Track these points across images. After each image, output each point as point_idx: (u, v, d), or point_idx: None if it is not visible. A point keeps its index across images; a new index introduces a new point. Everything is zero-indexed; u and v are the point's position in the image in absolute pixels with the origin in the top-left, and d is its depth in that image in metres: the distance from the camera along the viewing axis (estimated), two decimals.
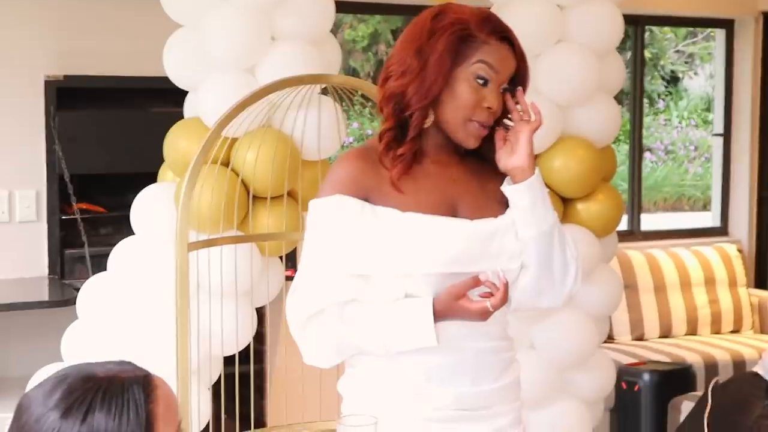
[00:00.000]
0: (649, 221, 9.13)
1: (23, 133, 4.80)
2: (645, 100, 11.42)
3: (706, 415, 3.50)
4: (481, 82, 2.21)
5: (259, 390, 4.63)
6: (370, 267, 2.21)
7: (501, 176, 2.32)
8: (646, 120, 11.30)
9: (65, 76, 4.80)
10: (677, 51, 11.55)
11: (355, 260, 2.21)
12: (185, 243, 2.90)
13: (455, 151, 2.32)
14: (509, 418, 2.35)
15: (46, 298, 4.60)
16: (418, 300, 2.19)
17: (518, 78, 2.29)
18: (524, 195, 2.27)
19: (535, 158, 2.33)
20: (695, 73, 11.99)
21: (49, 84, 4.78)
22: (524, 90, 2.31)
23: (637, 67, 6.33)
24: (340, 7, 5.48)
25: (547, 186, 3.60)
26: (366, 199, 2.22)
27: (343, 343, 2.25)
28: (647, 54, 11.03)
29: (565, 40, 3.65)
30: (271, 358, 4.81)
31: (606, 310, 3.83)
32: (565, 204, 3.71)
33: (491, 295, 2.18)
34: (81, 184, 4.78)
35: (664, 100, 11.56)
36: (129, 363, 1.68)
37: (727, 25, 6.46)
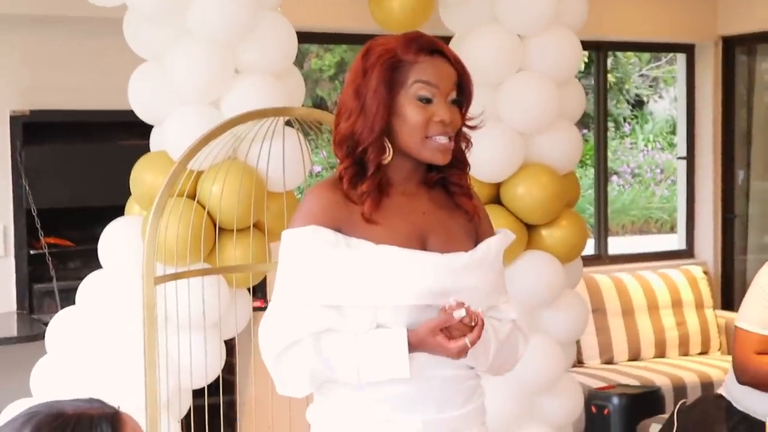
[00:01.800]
0: (616, 244, 9.22)
1: None
2: (611, 124, 11.56)
3: None
4: (424, 101, 2.24)
5: (230, 421, 4.62)
6: (343, 298, 2.23)
7: (467, 207, 2.37)
8: (613, 144, 11.44)
9: (31, 111, 4.82)
10: (641, 75, 11.69)
11: (329, 291, 2.23)
12: (152, 276, 2.91)
13: (423, 182, 2.36)
14: None
15: (14, 333, 4.58)
16: (393, 331, 2.22)
17: (463, 85, 2.31)
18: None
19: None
20: (660, 97, 12.13)
21: (14, 119, 4.79)
22: (469, 101, 2.34)
23: (600, 92, 6.39)
24: (304, 38, 5.55)
25: (511, 212, 3.66)
26: (338, 230, 2.25)
27: (317, 372, 2.27)
28: (612, 78, 11.16)
29: (526, 69, 3.70)
30: (242, 389, 4.81)
31: (572, 335, 3.87)
32: (529, 230, 3.75)
33: (470, 330, 2.20)
34: (49, 219, 4.78)
35: (629, 123, 11.68)
36: (98, 400, 1.70)
37: (688, 49, 6.55)
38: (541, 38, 3.68)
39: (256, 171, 3.23)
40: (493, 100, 3.65)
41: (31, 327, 4.54)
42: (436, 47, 2.29)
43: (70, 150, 4.89)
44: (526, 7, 3.63)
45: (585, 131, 9.61)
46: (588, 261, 6.23)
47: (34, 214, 4.70)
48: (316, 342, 2.23)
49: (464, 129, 2.36)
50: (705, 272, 6.26)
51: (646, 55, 11.22)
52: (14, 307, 4.86)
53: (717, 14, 6.36)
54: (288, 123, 3.32)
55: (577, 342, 5.64)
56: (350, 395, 2.29)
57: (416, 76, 2.24)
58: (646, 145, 11.42)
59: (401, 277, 2.22)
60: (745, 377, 3.39)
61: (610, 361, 5.73)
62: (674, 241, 7.00)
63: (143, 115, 3.42)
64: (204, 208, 3.19)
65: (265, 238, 3.30)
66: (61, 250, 4.88)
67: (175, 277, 3.08)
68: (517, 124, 3.66)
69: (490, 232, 2.44)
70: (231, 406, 4.85)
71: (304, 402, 2.44)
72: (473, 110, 2.37)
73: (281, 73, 3.37)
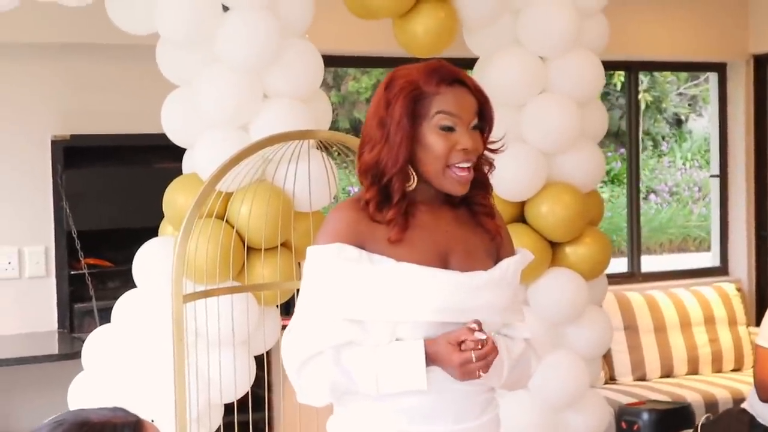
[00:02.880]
0: (654, 263, 9.22)
1: (31, 191, 4.94)
2: (649, 143, 11.57)
3: None
4: (446, 130, 2.32)
5: None
6: (364, 313, 2.31)
7: (489, 226, 2.45)
8: (651, 162, 11.44)
9: (71, 136, 4.95)
10: (679, 93, 11.68)
11: (351, 306, 2.31)
12: (180, 294, 3.01)
13: (447, 201, 2.43)
14: None
15: (55, 351, 4.69)
16: (411, 344, 2.29)
17: (484, 112, 2.38)
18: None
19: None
20: (699, 115, 12.12)
21: (55, 143, 4.93)
22: (490, 127, 2.41)
23: (632, 111, 6.45)
24: (338, 62, 5.65)
25: (535, 230, 3.73)
26: (361, 247, 2.33)
27: (337, 383, 2.35)
28: (649, 97, 11.17)
29: (548, 91, 3.78)
30: (276, 405, 4.90)
31: (596, 351, 3.92)
32: (553, 248, 3.82)
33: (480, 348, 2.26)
34: (88, 240, 4.89)
35: (668, 142, 11.68)
36: (122, 409, 1.79)
37: (720, 68, 6.58)
38: (563, 60, 3.76)
39: (283, 192, 3.33)
40: (516, 121, 3.73)
41: (72, 345, 4.66)
42: (457, 77, 2.36)
43: (108, 173, 5.02)
44: (548, 30, 3.71)
45: (622, 150, 9.64)
46: (621, 279, 6.29)
47: (74, 235, 4.83)
48: (336, 354, 2.32)
49: (486, 153, 2.44)
50: (738, 289, 6.28)
51: (684, 74, 11.22)
52: (55, 326, 4.99)
53: (748, 33, 6.39)
54: (319, 146, 3.42)
55: (610, 359, 5.69)
56: (369, 406, 2.36)
57: (438, 107, 2.32)
58: (684, 164, 11.41)
59: (421, 293, 2.30)
60: (767, 395, 3.43)
61: (642, 378, 5.76)
62: (709, 259, 7.01)
63: (176, 139, 3.53)
64: (233, 228, 3.29)
65: (292, 257, 3.39)
66: (100, 270, 5.00)
67: (205, 294, 3.18)
68: (540, 144, 3.74)
69: (511, 252, 2.50)
70: (267, 422, 4.94)
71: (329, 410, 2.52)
72: (495, 134, 2.44)
73: (308, 98, 3.46)
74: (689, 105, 11.89)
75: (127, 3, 3.37)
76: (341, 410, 2.44)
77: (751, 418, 3.55)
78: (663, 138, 11.72)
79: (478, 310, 2.33)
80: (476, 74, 3.82)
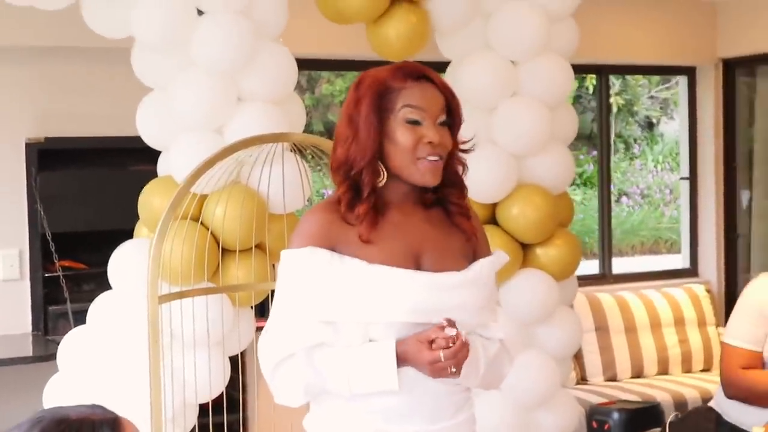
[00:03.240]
0: (626, 265, 9.31)
1: (5, 193, 4.94)
2: (621, 146, 11.66)
3: None
4: (412, 123, 2.36)
5: None
6: (337, 314, 2.34)
7: (464, 227, 2.47)
8: (622, 165, 11.53)
9: (45, 138, 4.95)
10: (651, 97, 11.79)
11: (324, 308, 2.35)
12: (156, 296, 3.04)
13: (420, 201, 2.46)
14: None
15: (29, 353, 4.69)
16: (382, 345, 2.32)
17: (452, 108, 2.43)
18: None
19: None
20: (671, 118, 12.22)
21: (30, 146, 4.93)
22: (458, 123, 2.45)
23: (603, 114, 6.52)
24: (312, 65, 5.68)
25: (507, 232, 3.78)
26: (333, 249, 2.36)
27: (310, 384, 2.39)
28: (621, 101, 11.27)
29: (519, 94, 3.83)
30: (253, 405, 4.93)
31: (567, 350, 3.98)
32: (524, 249, 3.87)
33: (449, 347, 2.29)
34: (63, 242, 4.89)
35: (639, 145, 11.78)
36: (99, 406, 1.82)
37: (689, 72, 6.66)
38: (533, 64, 3.81)
39: (257, 194, 3.37)
40: (487, 123, 3.78)
41: (46, 347, 4.66)
42: (423, 73, 2.41)
43: (83, 176, 5.03)
44: (519, 34, 3.77)
45: (595, 153, 9.72)
46: (592, 280, 6.35)
47: (48, 238, 4.83)
48: (309, 355, 2.35)
49: (459, 153, 2.48)
50: (708, 290, 6.36)
51: (656, 78, 11.33)
52: (29, 328, 4.99)
53: (717, 37, 6.47)
54: (293, 149, 3.46)
55: (581, 359, 5.76)
56: (344, 406, 2.39)
57: (404, 100, 2.36)
58: (655, 166, 11.52)
59: (393, 295, 2.32)
60: (732, 391, 3.50)
61: (613, 378, 5.82)
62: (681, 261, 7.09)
63: (151, 142, 3.56)
64: (208, 230, 3.33)
65: (266, 259, 3.43)
66: (75, 272, 5.01)
67: (180, 296, 3.21)
68: (511, 146, 3.79)
69: (487, 253, 2.53)
70: (240, 424, 4.97)
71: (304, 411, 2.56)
72: (466, 134, 2.49)
73: (282, 101, 3.50)
74: (661, 108, 11.99)
75: (102, 7, 3.39)
76: (317, 409, 2.47)
77: (718, 416, 3.61)
78: (635, 141, 11.82)
79: (452, 311, 2.35)
80: (448, 77, 3.87)
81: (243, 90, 3.43)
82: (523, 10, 3.75)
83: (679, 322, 6.10)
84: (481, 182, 3.73)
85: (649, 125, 12.04)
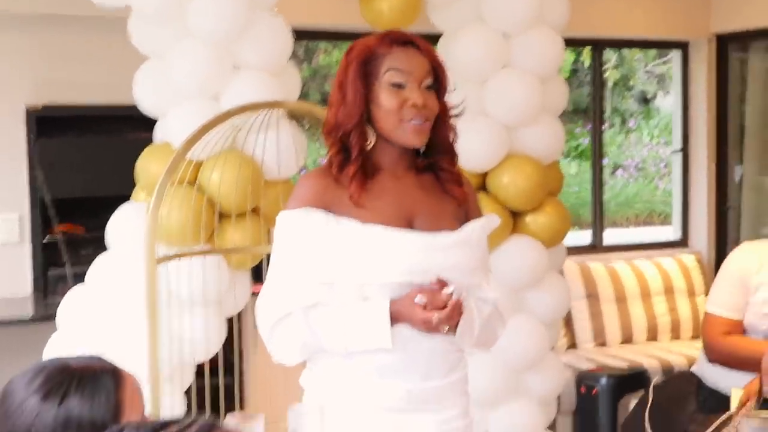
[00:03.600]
0: (621, 236, 9.40)
1: (5, 159, 5.02)
2: (617, 120, 11.72)
3: (647, 410, 3.73)
4: (396, 86, 2.44)
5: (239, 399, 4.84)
6: (332, 275, 2.42)
7: (455, 193, 2.55)
8: (618, 139, 11.60)
9: (44, 106, 5.03)
10: (647, 71, 11.84)
11: (320, 268, 2.42)
12: (153, 257, 3.13)
13: (412, 166, 2.54)
14: (457, 411, 2.56)
15: (30, 314, 4.79)
16: (376, 303, 2.40)
17: (437, 73, 2.50)
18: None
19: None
20: (667, 92, 12.27)
21: (29, 113, 5.01)
22: (444, 88, 2.52)
23: (597, 88, 6.59)
24: (309, 36, 5.74)
25: (497, 200, 3.86)
26: (328, 211, 2.44)
27: (307, 343, 2.47)
28: (617, 75, 11.31)
29: (510, 66, 3.90)
30: (248, 368, 5.04)
31: (555, 315, 4.07)
32: (514, 217, 3.96)
33: (444, 308, 2.38)
34: (62, 207, 4.99)
35: (635, 119, 11.84)
36: (98, 357, 1.90)
37: (683, 47, 6.72)
38: (525, 37, 3.88)
39: (252, 160, 3.45)
40: (479, 95, 3.85)
41: (45, 309, 4.75)
42: (408, 39, 2.49)
43: (81, 142, 5.10)
44: (511, 7, 3.83)
45: (590, 126, 9.79)
46: (584, 251, 6.44)
47: (47, 203, 4.92)
48: (305, 315, 2.43)
49: (448, 119, 2.55)
50: (698, 261, 6.45)
51: (652, 52, 11.37)
52: (30, 291, 5.09)
53: (710, 12, 6.53)
54: (290, 117, 3.53)
55: (571, 326, 5.86)
56: (339, 363, 2.47)
57: (389, 64, 2.44)
58: (650, 140, 11.59)
59: (387, 255, 2.40)
60: (714, 356, 3.59)
61: (603, 345, 5.92)
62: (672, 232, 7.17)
63: (148, 110, 3.63)
64: (204, 195, 3.41)
65: (260, 223, 3.51)
66: (73, 237, 5.09)
67: (177, 257, 3.30)
68: (502, 117, 3.86)
69: (478, 216, 2.60)
70: (240, 386, 5.07)
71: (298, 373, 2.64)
72: (454, 100, 2.55)
73: (277, 70, 3.58)
74: (657, 82, 12.04)
75: None
76: (313, 367, 2.55)
77: (699, 380, 3.70)
78: (631, 115, 11.89)
79: (445, 271, 2.42)
80: (440, 50, 3.92)
81: (239, 59, 3.50)
82: None
83: (669, 291, 6.20)
84: (473, 151, 3.80)
85: (645, 99, 12.10)
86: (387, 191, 2.49)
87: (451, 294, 2.39)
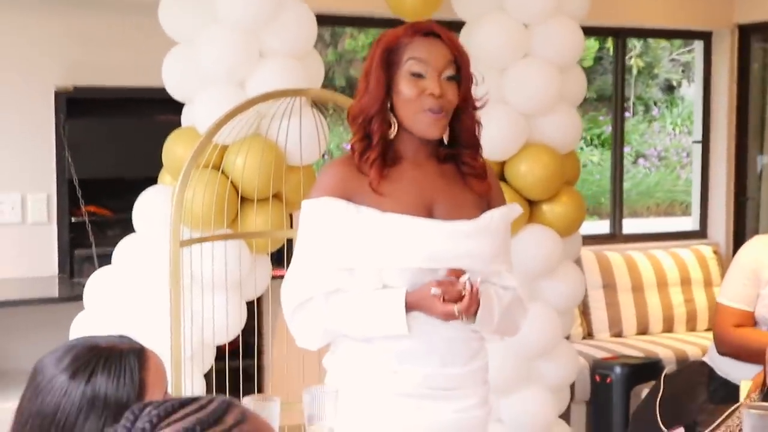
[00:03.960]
0: (641, 226, 9.42)
1: (35, 140, 5.10)
2: (641, 108, 11.72)
3: (658, 400, 3.80)
4: (416, 76, 2.50)
5: (259, 382, 4.92)
6: (353, 261, 2.50)
7: (476, 189, 2.60)
8: (641, 127, 11.61)
9: (74, 87, 5.10)
10: (672, 60, 11.83)
11: (341, 255, 2.51)
12: (178, 239, 3.21)
13: (434, 155, 2.60)
14: (475, 400, 2.62)
15: (56, 294, 4.88)
16: (393, 291, 2.47)
17: (460, 64, 2.55)
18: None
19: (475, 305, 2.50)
20: (692, 81, 12.25)
21: (59, 94, 5.07)
22: (467, 79, 2.56)
23: (619, 77, 6.62)
24: (334, 21, 5.79)
25: (514, 189, 3.92)
26: (350, 200, 2.51)
27: (327, 328, 2.55)
28: (641, 63, 11.31)
29: (530, 55, 3.96)
30: (268, 351, 5.12)
31: (570, 303, 4.13)
32: (530, 205, 4.02)
33: (462, 298, 2.43)
34: (89, 189, 5.04)
35: (659, 107, 11.84)
36: (127, 337, 1.99)
37: (705, 37, 6.75)
38: (545, 27, 3.93)
39: (276, 146, 3.53)
40: (498, 83, 3.91)
41: (72, 289, 4.84)
42: (431, 29, 2.54)
43: (110, 124, 5.16)
44: None
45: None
46: (602, 240, 6.50)
47: (75, 184, 4.99)
48: (326, 300, 2.51)
49: (471, 110, 2.59)
50: (715, 252, 6.49)
51: (678, 41, 11.37)
52: (56, 271, 5.17)
53: (733, 2, 6.55)
54: (317, 104, 3.60)
55: (588, 316, 5.92)
56: (360, 347, 2.55)
57: (409, 54, 2.51)
58: (673, 129, 11.59)
59: (405, 241, 2.47)
60: (724, 348, 3.66)
61: (619, 335, 5.98)
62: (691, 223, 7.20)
63: (175, 94, 3.71)
64: (228, 179, 3.49)
65: (283, 208, 3.59)
66: (100, 218, 5.15)
67: (200, 240, 3.39)
68: (521, 106, 3.92)
69: (501, 205, 2.66)
70: (259, 369, 5.15)
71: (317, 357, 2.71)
72: (479, 92, 2.60)
73: (302, 56, 3.65)
74: (682, 71, 12.03)
75: None
76: (336, 349, 2.63)
77: (710, 370, 3.76)
78: (655, 103, 11.89)
79: (463, 258, 2.49)
80: (463, 38, 3.99)
81: (265, 45, 3.57)
82: None
83: (686, 282, 6.23)
84: (491, 140, 3.79)
85: (669, 88, 12.10)
86: (407, 179, 2.55)
87: (467, 283, 2.45)
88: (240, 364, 3.53)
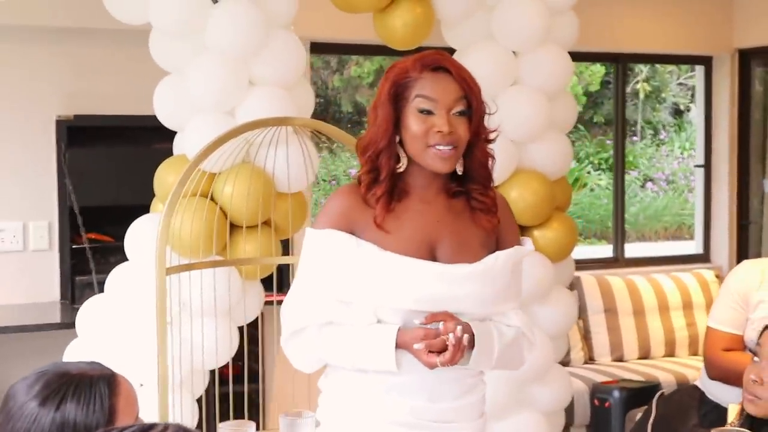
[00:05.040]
0: (648, 249, 9.41)
1: (37, 168, 5.16)
2: (649, 132, 11.74)
3: (650, 423, 3.80)
4: (425, 112, 2.47)
5: (257, 407, 4.94)
6: (349, 294, 2.51)
7: (484, 222, 2.56)
8: (649, 151, 11.62)
9: (75, 116, 5.16)
10: (680, 84, 11.84)
11: (338, 287, 2.52)
12: (164, 267, 3.24)
13: (443, 190, 2.57)
14: None
15: (57, 320, 4.90)
16: (385, 328, 2.47)
17: (470, 100, 2.51)
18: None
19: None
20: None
21: (60, 123, 5.14)
22: (478, 113, 2.52)
23: (619, 102, 6.65)
24: (319, 49, 5.84)
25: None
26: (352, 232, 2.51)
27: (319, 356, 2.59)
28: (648, 87, 11.34)
29: (519, 83, 3.99)
30: (270, 376, 5.14)
31: (562, 328, 4.14)
32: (522, 231, 4.02)
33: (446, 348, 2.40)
34: (90, 216, 5.09)
35: (667, 131, 11.85)
36: (98, 363, 2.02)
37: (706, 62, 6.77)
38: (534, 55, 3.96)
39: (265, 173, 3.56)
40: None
41: (72, 315, 4.83)
42: (441, 64, 2.50)
43: (110, 152, 5.22)
44: (520, 26, 3.92)
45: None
46: (605, 264, 6.51)
47: (76, 211, 5.04)
48: (319, 331, 2.53)
49: (483, 144, 2.55)
50: (717, 276, 6.49)
51: (685, 65, 11.39)
52: (58, 297, 5.22)
53: (733, 27, 6.58)
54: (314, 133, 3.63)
55: (589, 340, 5.92)
56: (351, 374, 2.56)
57: (418, 90, 2.47)
58: (681, 153, 11.60)
59: (401, 282, 2.45)
60: (714, 372, 3.66)
61: (620, 359, 5.98)
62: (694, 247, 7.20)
63: (167, 122, 3.76)
64: (217, 206, 3.53)
65: (272, 234, 3.62)
66: (101, 245, 5.19)
67: (187, 268, 3.42)
68: (511, 133, 3.94)
69: (512, 241, 2.61)
70: (258, 394, 5.17)
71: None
72: (491, 124, 2.58)
73: (291, 86, 3.69)
74: (690, 95, 12.04)
75: None
76: (330, 371, 2.65)
77: (702, 394, 3.76)
78: (663, 127, 11.90)
79: (458, 301, 2.47)
80: None
81: (254, 74, 3.61)
82: (525, 3, 3.90)
83: (687, 306, 6.23)
84: None
85: (678, 112, 12.11)
86: (413, 216, 2.53)
87: (451, 335, 2.40)
88: (230, 388, 3.55)
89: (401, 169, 2.52)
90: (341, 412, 2.59)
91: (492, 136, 2.57)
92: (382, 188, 2.51)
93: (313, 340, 2.55)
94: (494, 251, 2.54)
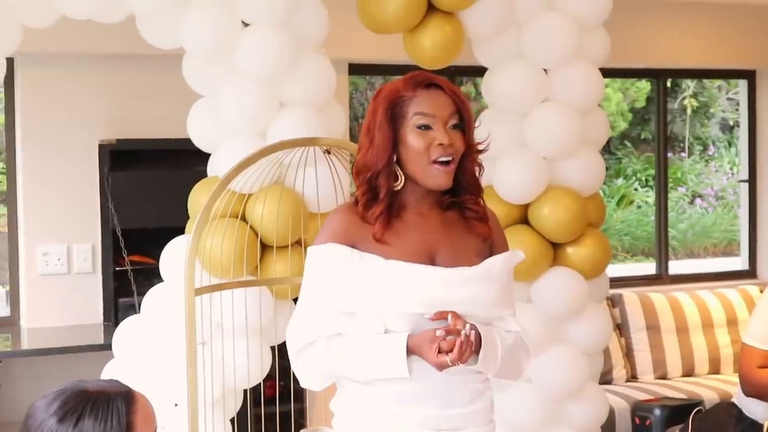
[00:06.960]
0: (697, 266, 9.32)
1: (80, 192, 5.27)
2: (698, 148, 11.65)
3: None
4: (423, 128, 2.55)
5: (298, 426, 4.97)
6: (355, 305, 2.56)
7: (479, 230, 2.65)
8: (697, 167, 11.53)
9: (117, 140, 5.27)
10: (729, 99, 11.74)
11: (343, 299, 2.57)
12: (192, 287, 3.28)
13: (437, 204, 2.65)
14: None
15: (101, 341, 4.99)
16: (395, 336, 2.52)
17: (462, 112, 2.60)
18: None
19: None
20: None
21: (102, 147, 5.25)
22: (470, 125, 2.62)
23: (660, 118, 6.61)
24: (358, 70, 5.87)
25: (537, 232, 3.94)
26: (353, 246, 2.58)
27: (329, 370, 2.62)
28: (696, 103, 11.25)
29: (550, 99, 3.99)
30: (310, 396, 5.17)
31: (597, 345, 4.11)
32: (555, 248, 4.03)
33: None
34: (132, 238, 5.18)
35: (716, 146, 11.75)
36: (116, 381, 2.07)
37: (749, 75, 6.72)
38: (565, 71, 3.96)
39: (295, 193, 3.60)
40: (520, 128, 3.95)
41: None
42: (432, 81, 2.60)
43: (151, 175, 5.31)
44: (550, 43, 3.92)
45: (670, 155, 9.75)
46: (648, 281, 6.47)
47: (119, 234, 5.13)
48: (328, 344, 2.57)
49: (474, 155, 2.64)
50: (762, 291, 6.39)
51: (734, 80, 11.30)
52: (101, 319, 5.32)
53: None
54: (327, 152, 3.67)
55: (631, 358, 5.88)
56: (361, 389, 2.60)
57: (415, 108, 2.56)
58: (731, 168, 11.49)
59: (406, 288, 2.52)
60: (749, 389, 3.63)
61: (663, 377, 5.93)
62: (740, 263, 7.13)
63: (201, 144, 3.81)
64: (248, 225, 3.56)
65: (303, 254, 3.64)
66: (143, 267, 5.28)
67: (218, 288, 3.46)
68: (543, 150, 3.95)
69: (503, 250, 2.71)
70: (300, 413, 5.20)
71: None
72: (480, 136, 2.66)
73: (322, 106, 3.72)
74: (739, 110, 11.94)
75: (155, 20, 3.65)
76: (341, 392, 2.69)
77: (739, 411, 3.73)
78: (713, 143, 11.81)
79: (462, 304, 2.53)
80: (485, 83, 4.06)
81: (285, 96, 3.65)
82: (555, 20, 3.91)
83: (732, 322, 6.17)
84: (514, 184, 3.91)
85: (727, 127, 12.01)
86: (411, 229, 2.60)
87: (462, 332, 2.45)
88: (262, 404, 3.58)
89: (399, 188, 2.59)
90: (356, 429, 2.62)
91: (482, 146, 2.65)
92: (381, 207, 2.58)
93: (322, 353, 2.59)
94: (487, 258, 2.63)
